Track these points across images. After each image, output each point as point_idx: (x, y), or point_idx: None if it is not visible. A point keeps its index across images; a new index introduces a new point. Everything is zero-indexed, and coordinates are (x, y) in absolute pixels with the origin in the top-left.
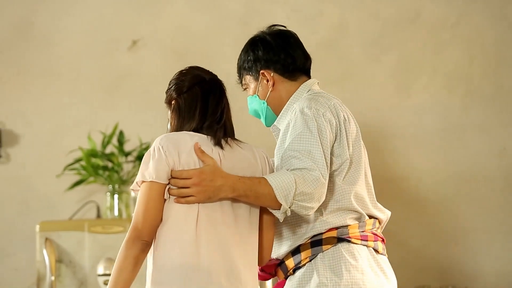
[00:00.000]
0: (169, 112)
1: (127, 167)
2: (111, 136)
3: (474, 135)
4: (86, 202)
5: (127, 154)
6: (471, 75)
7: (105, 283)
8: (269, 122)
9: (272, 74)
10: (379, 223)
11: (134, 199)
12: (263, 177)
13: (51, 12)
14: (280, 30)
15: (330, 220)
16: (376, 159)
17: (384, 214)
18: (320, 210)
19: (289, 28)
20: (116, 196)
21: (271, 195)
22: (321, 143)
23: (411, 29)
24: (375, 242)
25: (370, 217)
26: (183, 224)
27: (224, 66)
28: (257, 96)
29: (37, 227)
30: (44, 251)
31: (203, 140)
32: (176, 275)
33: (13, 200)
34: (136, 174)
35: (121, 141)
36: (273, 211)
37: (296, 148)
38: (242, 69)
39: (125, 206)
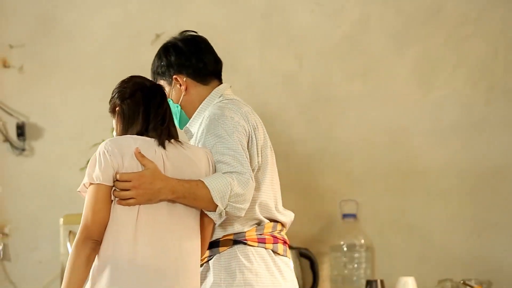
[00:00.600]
0: (113, 120)
1: None
2: None
3: (497, 129)
4: None
5: None
6: (494, 69)
7: None
8: (182, 125)
9: (184, 79)
10: (282, 225)
11: None
12: (200, 180)
13: (74, 6)
14: (191, 36)
15: (233, 227)
16: (398, 153)
17: (287, 217)
18: (228, 219)
19: (311, 22)
20: None
21: (208, 197)
22: (242, 148)
23: (433, 23)
24: (274, 244)
25: (272, 220)
26: (123, 224)
27: (245, 61)
28: (171, 100)
29: (61, 220)
30: (68, 244)
31: (147, 143)
32: (114, 273)
33: (37, 193)
34: None
35: None
36: (209, 213)
37: (222, 152)
38: (156, 75)
39: None
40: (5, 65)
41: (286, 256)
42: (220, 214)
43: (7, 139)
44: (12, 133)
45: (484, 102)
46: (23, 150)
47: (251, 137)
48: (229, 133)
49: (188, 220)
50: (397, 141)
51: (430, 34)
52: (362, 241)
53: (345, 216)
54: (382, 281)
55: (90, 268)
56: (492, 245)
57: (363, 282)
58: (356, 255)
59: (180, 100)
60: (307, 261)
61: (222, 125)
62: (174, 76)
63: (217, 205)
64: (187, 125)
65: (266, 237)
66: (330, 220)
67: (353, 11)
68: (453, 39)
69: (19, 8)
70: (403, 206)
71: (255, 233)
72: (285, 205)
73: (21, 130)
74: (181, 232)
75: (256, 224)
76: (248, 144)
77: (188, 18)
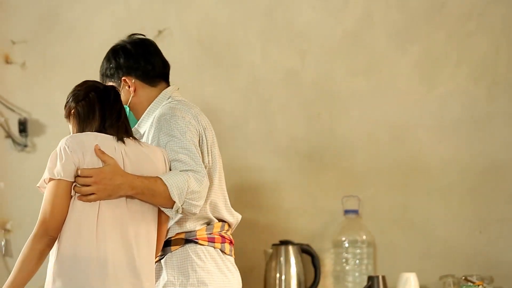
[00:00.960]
0: (70, 126)
1: None
2: None
3: (500, 124)
4: None
5: None
6: (497, 65)
7: None
8: (131, 126)
9: (133, 81)
10: (229, 226)
11: None
12: (158, 177)
13: (77, 3)
14: (140, 39)
15: (186, 225)
16: (400, 149)
17: (234, 218)
18: (179, 216)
19: (314, 18)
20: None
21: (166, 193)
22: (195, 147)
23: (436, 20)
24: (222, 244)
25: (220, 220)
26: (84, 220)
27: (248, 57)
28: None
29: None
30: None
31: (106, 140)
32: (75, 268)
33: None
34: None
35: None
36: (165, 210)
37: (176, 151)
38: (104, 76)
39: None
40: (8, 61)
41: (232, 256)
42: (177, 211)
43: (9, 135)
44: (14, 129)
45: (486, 99)
46: (25, 146)
47: (202, 137)
48: (181, 132)
49: (146, 216)
50: (399, 138)
51: (433, 31)
52: (364, 237)
53: (347, 212)
54: (383, 277)
55: (42, 262)
56: (494, 241)
57: (365, 278)
58: (358, 251)
59: (129, 101)
60: (309, 257)
61: (175, 125)
62: (123, 78)
63: (174, 202)
64: (136, 126)
65: (215, 236)
66: (332, 216)
67: (356, 8)
68: (455, 35)
69: (21, 4)
70: (405, 202)
71: (205, 232)
72: (287, 201)
73: (23, 126)
74: (140, 228)
75: (206, 223)
76: (199, 144)
77: (190, 14)
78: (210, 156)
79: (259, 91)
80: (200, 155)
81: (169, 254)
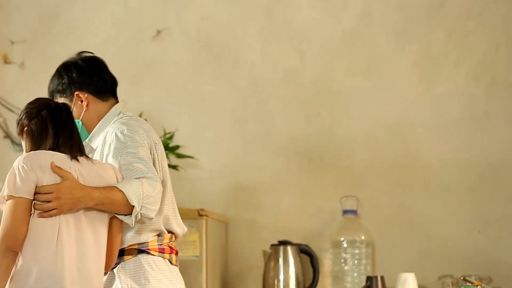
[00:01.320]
0: (23, 142)
1: None
2: None
3: (500, 124)
4: None
5: None
6: (496, 64)
7: None
8: (83, 140)
9: (86, 95)
10: (175, 237)
11: None
12: (114, 185)
13: (76, 2)
14: (89, 56)
15: (141, 237)
16: (399, 148)
17: (182, 229)
18: (134, 229)
19: (313, 17)
20: None
21: (124, 200)
22: (148, 159)
23: (435, 19)
24: (170, 255)
25: (169, 232)
26: (44, 235)
27: (247, 56)
28: None
29: None
30: None
31: (62, 158)
32: (33, 282)
33: None
34: None
35: None
36: (124, 218)
37: (131, 162)
38: (55, 92)
39: None
40: (6, 61)
41: (177, 266)
42: (136, 216)
43: (7, 135)
44: (13, 129)
45: (485, 97)
46: None
47: (153, 151)
48: (135, 145)
49: (101, 228)
50: (398, 137)
51: (432, 29)
52: (363, 237)
53: (345, 212)
54: (382, 277)
55: (8, 278)
56: (493, 241)
57: (364, 278)
58: (357, 251)
59: (81, 116)
60: (308, 257)
61: (128, 139)
62: (76, 93)
63: (133, 207)
64: (87, 141)
65: (165, 247)
66: (331, 216)
67: (355, 7)
68: (455, 34)
69: (20, 4)
70: (404, 202)
71: (156, 243)
72: (286, 201)
73: None
74: (98, 240)
75: (157, 235)
76: (151, 157)
77: (189, 14)
78: (161, 171)
79: (258, 91)
80: (153, 166)
81: (122, 263)
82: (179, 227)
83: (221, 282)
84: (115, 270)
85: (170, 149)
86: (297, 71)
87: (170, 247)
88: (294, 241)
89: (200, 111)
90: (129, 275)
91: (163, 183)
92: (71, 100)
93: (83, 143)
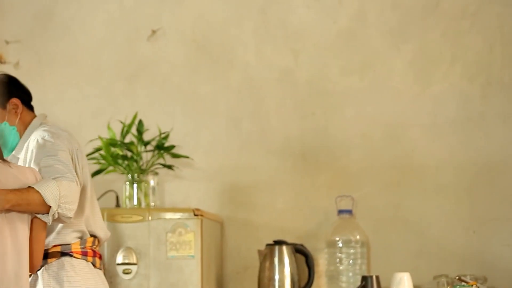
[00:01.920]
0: None
1: (146, 156)
2: (130, 126)
3: (494, 123)
4: (106, 191)
5: (146, 144)
6: (491, 63)
7: (124, 271)
8: (15, 147)
9: (20, 104)
10: (99, 241)
11: (153, 189)
12: (30, 186)
13: (71, 2)
14: (7, 74)
15: (62, 238)
16: (395, 148)
17: (105, 233)
18: (56, 229)
19: (308, 17)
20: (135, 185)
21: (40, 200)
22: (67, 161)
23: (430, 18)
24: (93, 258)
25: (92, 235)
26: None
27: (241, 56)
28: (6, 123)
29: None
30: None
31: None
32: None
33: None
34: (155, 163)
35: (140, 131)
36: (42, 216)
37: (50, 164)
38: None
39: (144, 195)
40: (1, 61)
41: (101, 269)
42: (53, 215)
43: None
44: None
45: (481, 97)
46: None
47: (74, 156)
48: (56, 150)
49: (22, 228)
50: (393, 137)
51: (427, 29)
52: (358, 237)
53: (341, 212)
54: (377, 277)
55: None
56: (488, 241)
57: (359, 278)
58: (352, 251)
59: (16, 123)
60: (303, 257)
61: (50, 144)
62: (11, 100)
63: (49, 207)
64: (13, 153)
65: (88, 250)
66: (326, 216)
67: (350, 6)
68: (450, 34)
69: (15, 3)
70: (399, 202)
71: (79, 246)
72: (281, 201)
73: None
74: (17, 240)
75: (79, 237)
76: (72, 162)
77: (184, 13)
78: (81, 176)
79: (253, 90)
80: (73, 168)
81: (46, 266)
82: (102, 231)
83: (216, 281)
84: (39, 272)
85: (165, 149)
86: (292, 71)
87: (93, 251)
88: (289, 240)
89: (195, 111)
90: (52, 277)
91: (84, 188)
92: (4, 107)
93: (10, 156)
